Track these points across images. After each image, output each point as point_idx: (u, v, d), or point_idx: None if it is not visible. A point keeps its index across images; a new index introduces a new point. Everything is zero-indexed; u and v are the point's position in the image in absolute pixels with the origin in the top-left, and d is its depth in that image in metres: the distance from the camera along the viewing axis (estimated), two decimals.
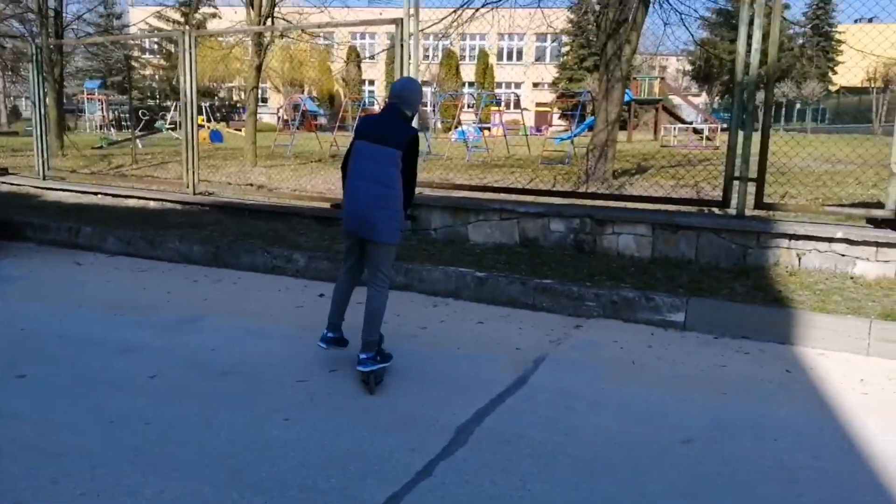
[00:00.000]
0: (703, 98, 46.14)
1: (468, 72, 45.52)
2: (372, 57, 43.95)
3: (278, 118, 28.60)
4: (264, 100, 42.90)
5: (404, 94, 3.75)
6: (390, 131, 3.64)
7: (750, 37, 5.65)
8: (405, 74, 6.97)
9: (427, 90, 42.39)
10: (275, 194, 9.21)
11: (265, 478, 2.72)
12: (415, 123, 3.96)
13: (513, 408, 3.45)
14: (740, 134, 5.74)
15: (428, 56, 45.47)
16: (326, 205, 7.83)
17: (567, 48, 45.81)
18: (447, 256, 5.99)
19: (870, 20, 19.90)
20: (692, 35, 20.53)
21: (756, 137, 5.74)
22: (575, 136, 16.50)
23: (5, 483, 2.64)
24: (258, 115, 16.44)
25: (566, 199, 7.37)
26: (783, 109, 37.32)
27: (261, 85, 31.67)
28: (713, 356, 4.20)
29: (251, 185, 10.34)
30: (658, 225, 5.89)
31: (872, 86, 36.06)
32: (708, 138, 22.70)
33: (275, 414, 3.31)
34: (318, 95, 43.26)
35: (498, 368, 3.96)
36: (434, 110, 29.18)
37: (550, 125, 34.99)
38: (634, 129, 29.29)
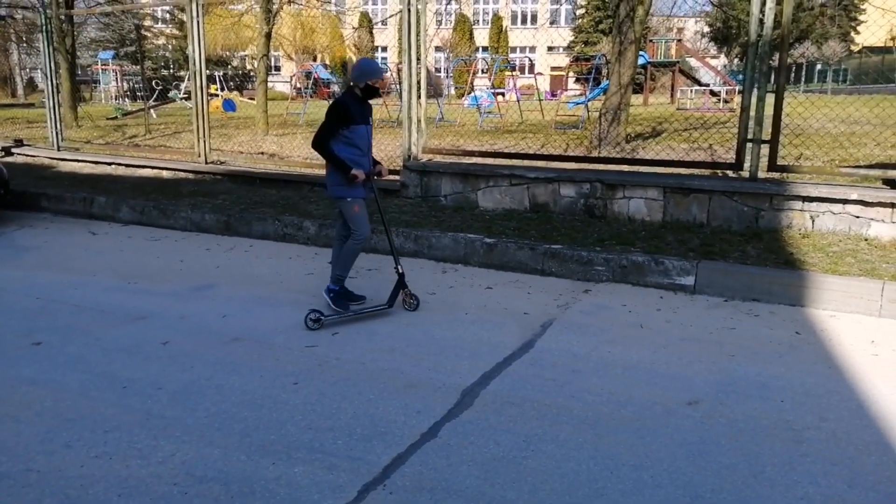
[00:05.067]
0: (721, 60, 45.11)
1: (482, 36, 44.83)
2: (384, 22, 43.40)
3: (291, 86, 28.44)
4: (277, 68, 42.63)
5: (352, 75, 4.27)
6: (370, 111, 4.32)
7: None
8: (412, 40, 6.89)
9: (440, 56, 42.07)
10: (286, 163, 9.21)
11: (273, 440, 2.78)
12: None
13: (519, 371, 3.47)
14: (754, 95, 5.62)
15: (440, 21, 44.98)
16: None
17: (582, 10, 44.87)
18: (457, 223, 5.98)
19: None
20: None
21: (770, 99, 5.62)
22: (589, 100, 16.24)
23: (20, 447, 2.72)
24: (271, 84, 16.36)
25: (578, 164, 7.29)
26: (803, 70, 36.44)
27: (272, 53, 31.39)
28: (722, 319, 4.19)
29: (263, 153, 10.34)
30: (669, 189, 5.82)
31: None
32: (725, 100, 22.26)
33: (284, 378, 3.36)
34: (330, 63, 42.91)
35: (505, 333, 3.98)
36: (448, 76, 28.83)
37: (566, 89, 34.49)
38: (651, 92, 28.76)
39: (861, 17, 42.54)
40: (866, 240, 5.13)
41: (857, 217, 5.23)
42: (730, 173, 6.41)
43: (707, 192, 5.67)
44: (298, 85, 26.65)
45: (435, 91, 23.23)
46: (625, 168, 6.80)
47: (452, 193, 6.76)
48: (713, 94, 23.56)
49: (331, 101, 4.18)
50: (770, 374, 3.41)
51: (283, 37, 31.22)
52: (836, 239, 5.15)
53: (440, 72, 42.10)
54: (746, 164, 5.77)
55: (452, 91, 28.36)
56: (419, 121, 7.16)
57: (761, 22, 5.54)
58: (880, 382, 3.32)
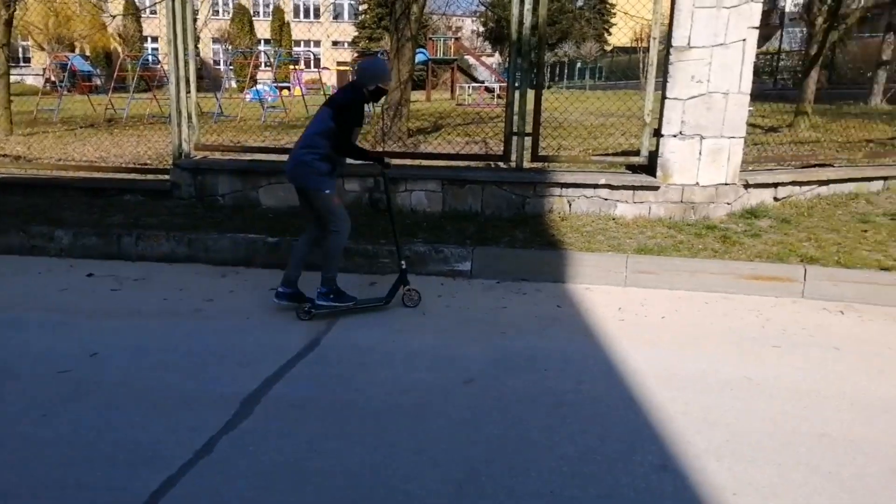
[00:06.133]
0: (496, 58, 48.22)
1: (263, 28, 43.30)
2: (152, 11, 40.04)
3: (45, 80, 25.19)
4: (26, 59, 37.50)
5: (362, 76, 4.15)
6: None
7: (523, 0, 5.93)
8: (178, 28, 6.43)
9: (218, 47, 39.87)
10: (35, 165, 8.11)
11: (16, 483, 2.43)
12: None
13: (303, 372, 3.41)
14: (517, 92, 6.06)
15: (217, 10, 42.58)
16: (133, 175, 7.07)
17: (365, 6, 45.22)
18: (237, 223, 5.71)
19: None
20: None
21: (532, 95, 6.10)
22: None
23: None
24: (18, 77, 14.28)
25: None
26: (565, 68, 40.18)
27: (21, 43, 27.37)
28: (495, 299, 4.48)
29: (6, 156, 9.02)
30: (447, 181, 6.09)
31: (639, 45, 40.05)
32: (499, 97, 23.85)
33: (31, 411, 2.96)
34: (91, 54, 38.67)
35: (290, 334, 3.89)
36: (229, 68, 27.43)
37: None
38: (433, 88, 29.92)
39: (613, 21, 47.92)
40: (614, 219, 5.80)
41: (606, 199, 5.89)
42: (501, 164, 6.86)
43: (480, 183, 6.01)
44: (53, 78, 23.73)
45: (213, 85, 21.99)
46: (408, 162, 6.97)
47: (231, 192, 6.44)
48: (488, 90, 25.07)
49: (337, 102, 4.07)
50: (536, 347, 3.71)
51: (32, 24, 27.47)
52: (589, 220, 5.76)
53: (219, 64, 39.94)
54: (513, 156, 6.21)
55: (234, 84, 27.05)
56: (190, 115, 6.72)
57: (521, 24, 5.98)
58: (626, 343, 3.77)
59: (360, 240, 5.22)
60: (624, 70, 36.99)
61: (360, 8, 45.65)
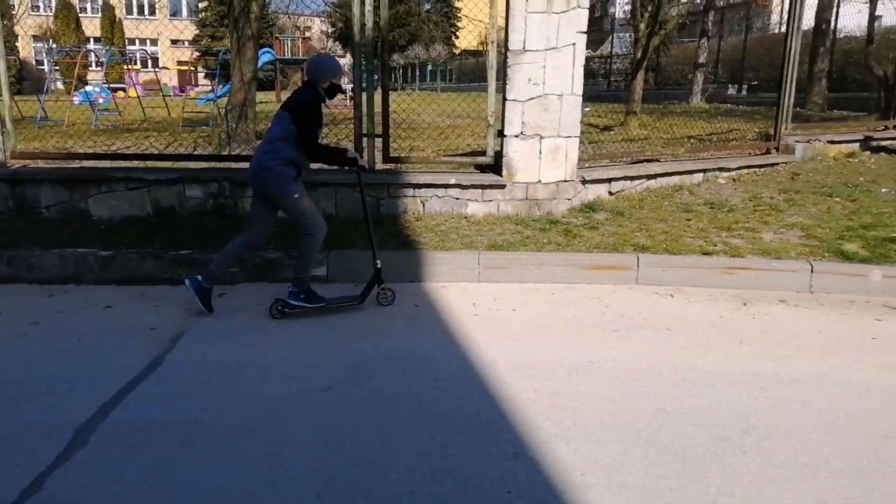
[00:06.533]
0: (347, 59, 47.86)
1: (93, 26, 39.92)
2: None
3: None
4: None
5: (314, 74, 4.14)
6: None
7: (363, 0, 5.91)
8: None
9: (41, 46, 36.22)
10: None
11: None
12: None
13: (144, 394, 3.18)
14: (364, 93, 6.04)
15: (39, 7, 38.67)
16: None
17: (205, 3, 43.07)
18: (64, 237, 5.22)
19: None
20: None
21: (379, 96, 6.11)
22: (219, 97, 15.72)
23: None
24: None
25: (208, 164, 6.98)
26: (417, 70, 40.76)
27: None
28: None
29: None
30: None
31: (484, 49, 41.52)
32: (353, 98, 23.70)
33: None
34: None
35: (129, 354, 3.61)
36: (52, 70, 24.99)
37: (196, 85, 32.81)
38: (284, 89, 29.08)
39: (459, 24, 49.19)
40: (466, 218, 5.95)
41: (458, 199, 6.04)
42: None
43: (333, 185, 5.93)
44: None
45: (36, 87, 19.96)
46: None
47: (57, 204, 5.88)
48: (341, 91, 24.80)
49: (293, 105, 4.06)
50: (395, 348, 3.72)
51: None
52: (442, 219, 5.87)
53: (42, 65, 36.35)
54: (365, 157, 6.18)
55: (60, 86, 24.74)
56: (3, 121, 6.05)
57: (363, 26, 5.97)
58: (481, 337, 3.88)
59: (206, 250, 4.96)
60: (473, 72, 38.13)
61: (201, 5, 43.43)
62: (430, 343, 3.82)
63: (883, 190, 7.08)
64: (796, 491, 2.46)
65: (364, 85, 6.02)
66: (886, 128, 10.05)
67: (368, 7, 5.90)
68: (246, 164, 6.73)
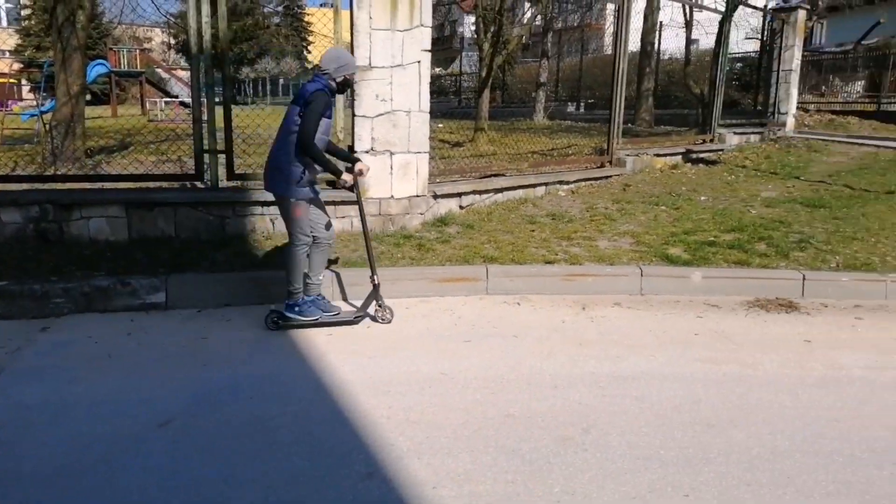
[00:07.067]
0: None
1: None
2: None
3: None
4: None
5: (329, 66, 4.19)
6: None
7: (200, 11, 5.66)
8: None
9: None
10: None
11: None
12: None
13: None
14: (204, 107, 5.77)
15: None
16: None
17: (29, 11, 39.23)
18: None
19: (330, 5, 22.53)
20: (157, 7, 19.87)
21: (221, 111, 5.85)
22: (45, 112, 14.32)
23: None
24: None
25: (30, 185, 6.33)
26: (269, 84, 39.68)
27: None
28: (196, 330, 4.19)
29: None
30: (132, 204, 5.55)
31: None
32: (190, 113, 22.60)
33: None
34: None
35: None
36: None
37: (20, 99, 29.77)
38: (122, 103, 27.16)
39: (311, 39, 48.55)
40: None
41: None
42: (199, 184, 6.46)
43: (172, 205, 5.59)
44: None
45: None
46: (87, 185, 6.19)
47: None
48: (184, 105, 23.61)
49: (309, 93, 3.99)
50: (241, 375, 3.55)
51: None
52: None
53: None
54: (208, 175, 5.90)
55: None
56: None
57: (201, 35, 5.70)
58: (334, 357, 3.81)
59: (24, 279, 4.49)
60: None
61: (24, 13, 39.52)
62: (278, 367, 3.69)
63: (702, 198, 7.85)
64: (632, 483, 2.63)
65: (204, 99, 5.74)
66: (704, 141, 11.19)
67: (206, 18, 5.65)
68: (73, 185, 6.22)
